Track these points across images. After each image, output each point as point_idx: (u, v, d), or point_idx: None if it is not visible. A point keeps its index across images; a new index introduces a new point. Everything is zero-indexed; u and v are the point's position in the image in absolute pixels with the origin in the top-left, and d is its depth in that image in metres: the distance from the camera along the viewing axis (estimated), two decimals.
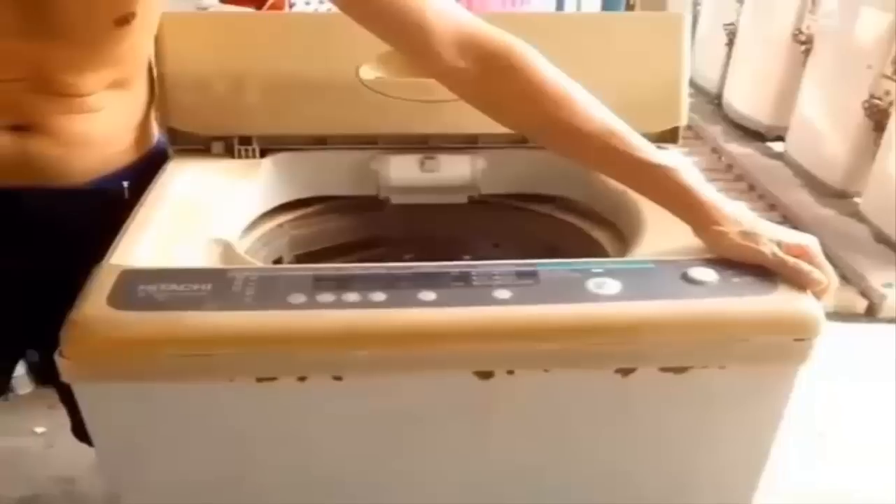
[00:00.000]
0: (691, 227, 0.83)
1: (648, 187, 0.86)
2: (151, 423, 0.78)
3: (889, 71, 2.93)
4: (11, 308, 1.00)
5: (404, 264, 0.80)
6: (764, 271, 0.78)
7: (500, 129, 0.99)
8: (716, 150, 3.79)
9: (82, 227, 0.90)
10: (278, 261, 1.12)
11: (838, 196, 3.16)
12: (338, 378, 0.75)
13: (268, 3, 2.14)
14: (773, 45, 3.69)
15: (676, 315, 0.74)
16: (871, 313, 2.53)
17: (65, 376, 0.71)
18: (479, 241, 1.24)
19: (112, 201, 0.98)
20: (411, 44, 0.87)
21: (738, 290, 0.75)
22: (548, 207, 1.17)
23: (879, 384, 2.11)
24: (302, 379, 0.74)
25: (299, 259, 1.16)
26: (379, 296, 0.73)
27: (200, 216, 0.92)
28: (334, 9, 0.88)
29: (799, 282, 0.77)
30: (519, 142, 1.12)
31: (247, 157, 1.09)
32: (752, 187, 3.36)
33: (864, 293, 2.55)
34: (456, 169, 1.12)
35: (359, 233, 1.21)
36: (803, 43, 3.50)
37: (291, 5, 2.22)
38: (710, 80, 4.35)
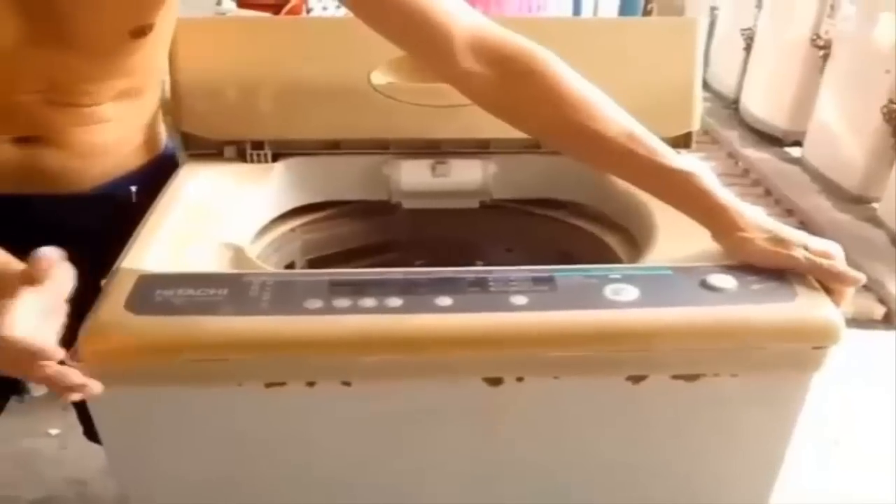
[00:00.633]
0: (711, 233, 0.82)
1: (669, 192, 0.85)
2: (161, 426, 0.78)
3: None
4: None
5: (420, 269, 0.80)
6: (782, 279, 0.77)
7: (512, 133, 0.99)
8: (732, 155, 3.77)
9: (90, 232, 0.90)
10: (290, 265, 1.12)
11: (856, 201, 3.14)
12: (346, 383, 0.75)
13: (286, 8, 2.15)
14: (791, 49, 3.67)
15: (697, 323, 0.74)
16: (888, 320, 2.51)
17: None
18: (490, 246, 1.24)
19: (120, 206, 0.98)
20: (426, 47, 0.86)
21: (758, 298, 0.75)
22: (559, 212, 1.16)
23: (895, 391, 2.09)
24: (311, 384, 0.74)
25: (311, 263, 1.16)
26: (395, 301, 0.73)
27: (212, 220, 0.93)
28: (348, 13, 0.88)
29: (838, 282, 0.76)
30: (531, 147, 1.12)
31: (259, 161, 1.09)
32: (768, 192, 3.33)
33: (881, 300, 2.52)
34: (468, 174, 1.12)
35: (370, 237, 1.21)
36: (821, 48, 3.47)
37: (309, 10, 2.22)
38: (727, 85, 4.32)
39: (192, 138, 1.09)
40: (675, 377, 0.76)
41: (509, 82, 0.86)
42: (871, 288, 2.56)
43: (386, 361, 0.73)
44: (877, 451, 1.89)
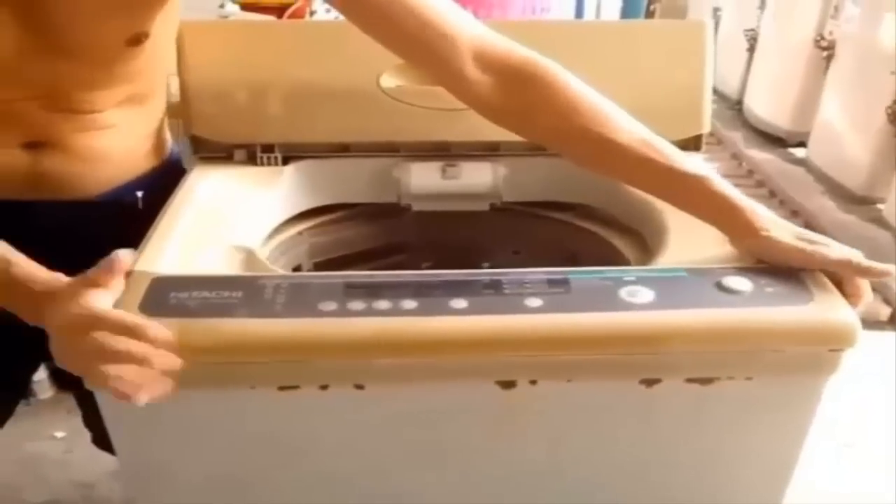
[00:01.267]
0: (729, 236, 0.81)
1: (683, 197, 0.84)
2: (174, 429, 0.78)
3: None
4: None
5: (435, 272, 0.79)
6: (798, 281, 0.76)
7: None
8: (736, 156, 3.77)
9: (96, 237, 0.89)
10: (297, 268, 1.12)
11: (860, 202, 3.13)
12: (359, 387, 0.74)
13: (288, 11, 2.15)
14: (795, 50, 3.67)
15: (712, 325, 0.73)
16: (894, 321, 2.51)
17: (88, 384, 0.71)
18: (498, 249, 1.23)
19: (126, 212, 0.99)
20: (431, 59, 0.86)
21: (774, 300, 0.74)
22: (568, 215, 1.16)
23: None
24: (324, 387, 0.74)
25: (318, 266, 1.16)
26: (410, 303, 0.73)
27: (223, 223, 0.93)
28: None
29: (869, 275, 0.76)
30: (541, 149, 1.12)
31: (269, 164, 1.09)
32: (773, 193, 3.33)
33: (887, 301, 2.52)
34: (477, 176, 1.12)
35: (378, 240, 1.21)
36: (825, 49, 3.47)
37: (312, 13, 2.22)
38: (730, 86, 4.32)
39: (202, 141, 1.09)
40: (690, 380, 0.76)
41: (514, 90, 0.86)
42: (877, 289, 2.56)
43: (399, 364, 0.73)
44: (886, 452, 1.89)
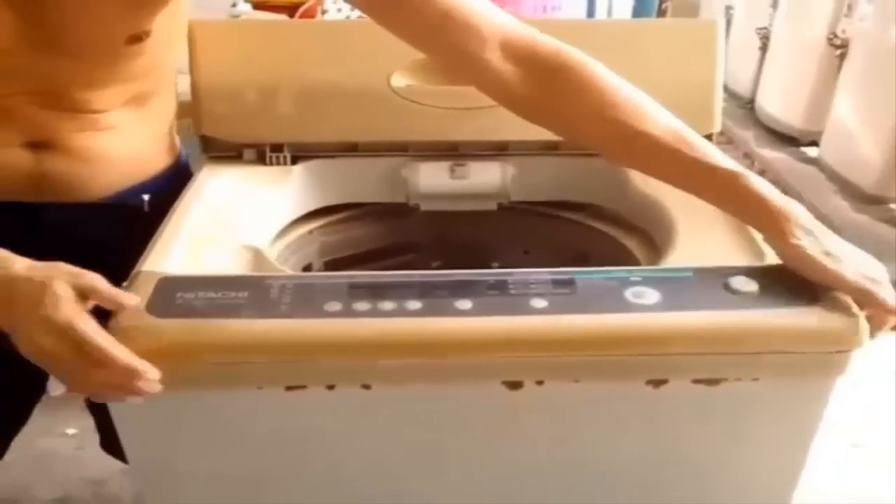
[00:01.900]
0: (762, 234, 0.80)
1: (717, 194, 0.81)
2: (181, 429, 0.79)
3: None
4: None
5: (439, 272, 0.79)
6: (806, 282, 0.76)
7: (530, 136, 0.98)
8: (748, 155, 3.75)
9: (102, 240, 0.89)
10: (307, 267, 1.13)
11: (873, 201, 3.11)
12: (366, 387, 0.75)
13: (300, 10, 2.15)
14: (807, 49, 3.64)
15: (718, 327, 0.73)
16: None
17: None
18: (507, 248, 1.23)
19: (132, 215, 0.98)
20: (457, 51, 0.83)
21: (781, 301, 0.74)
22: (577, 214, 1.16)
23: None
24: (331, 387, 0.75)
25: (328, 265, 1.16)
26: (415, 304, 0.73)
27: (232, 223, 0.93)
28: (365, 16, 0.87)
29: (881, 310, 0.74)
30: (549, 149, 1.12)
31: (278, 164, 1.09)
32: (784, 192, 3.29)
33: None
34: (486, 176, 1.12)
35: (387, 239, 1.21)
36: (838, 47, 3.45)
37: (324, 12, 2.22)
38: (742, 85, 4.30)
39: (212, 141, 1.09)
40: (696, 381, 0.75)
41: (543, 81, 0.83)
42: None
43: (405, 365, 0.73)
44: (893, 453, 1.88)
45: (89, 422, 1.24)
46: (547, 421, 0.79)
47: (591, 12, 3.62)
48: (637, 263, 1.01)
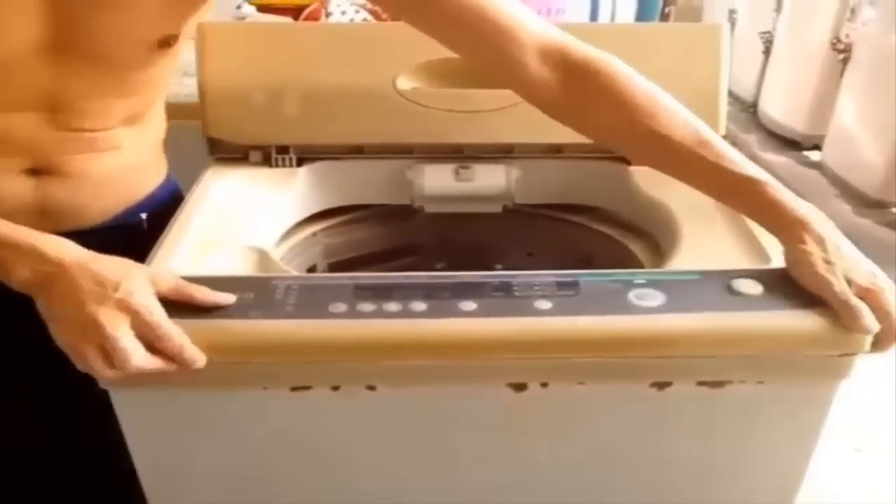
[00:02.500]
0: (780, 240, 0.81)
1: (737, 198, 0.83)
2: (186, 429, 0.79)
3: None
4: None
5: (444, 273, 0.80)
6: None
7: (535, 139, 0.99)
8: (751, 159, 3.73)
9: None
10: (312, 269, 1.13)
11: (876, 206, 3.11)
12: (371, 387, 0.75)
13: (305, 13, 2.16)
14: (811, 53, 3.64)
15: (722, 329, 0.73)
16: None
17: (103, 383, 0.72)
18: (512, 251, 1.24)
19: (131, 235, 0.97)
20: (497, 56, 0.85)
21: (785, 304, 0.74)
22: (582, 217, 1.16)
23: None
24: (336, 388, 0.75)
25: (332, 267, 1.16)
26: (419, 305, 0.74)
27: (238, 224, 0.94)
28: (371, 19, 0.87)
29: (852, 326, 0.72)
30: (554, 152, 1.12)
31: (284, 166, 1.10)
32: None
33: None
34: (491, 178, 1.12)
35: (392, 241, 1.21)
36: (841, 51, 3.45)
37: (328, 14, 2.23)
38: (745, 88, 4.30)
39: (218, 143, 1.10)
40: (701, 384, 0.76)
41: (577, 86, 0.85)
42: None
43: (410, 366, 0.74)
44: None
45: None
46: (551, 423, 0.79)
47: (594, 16, 3.62)
48: (641, 266, 1.01)
